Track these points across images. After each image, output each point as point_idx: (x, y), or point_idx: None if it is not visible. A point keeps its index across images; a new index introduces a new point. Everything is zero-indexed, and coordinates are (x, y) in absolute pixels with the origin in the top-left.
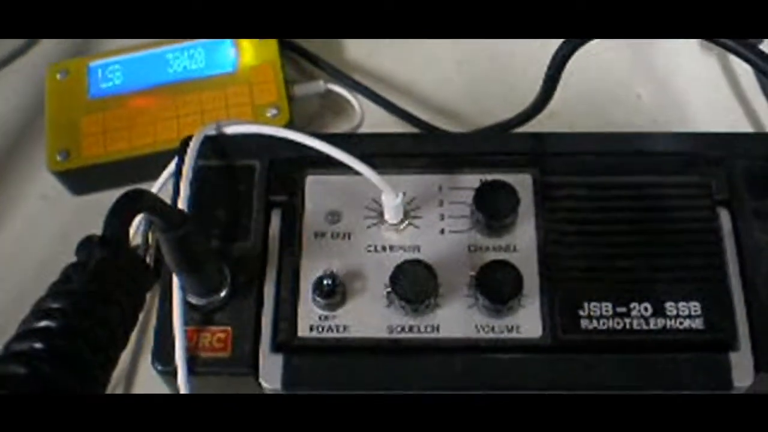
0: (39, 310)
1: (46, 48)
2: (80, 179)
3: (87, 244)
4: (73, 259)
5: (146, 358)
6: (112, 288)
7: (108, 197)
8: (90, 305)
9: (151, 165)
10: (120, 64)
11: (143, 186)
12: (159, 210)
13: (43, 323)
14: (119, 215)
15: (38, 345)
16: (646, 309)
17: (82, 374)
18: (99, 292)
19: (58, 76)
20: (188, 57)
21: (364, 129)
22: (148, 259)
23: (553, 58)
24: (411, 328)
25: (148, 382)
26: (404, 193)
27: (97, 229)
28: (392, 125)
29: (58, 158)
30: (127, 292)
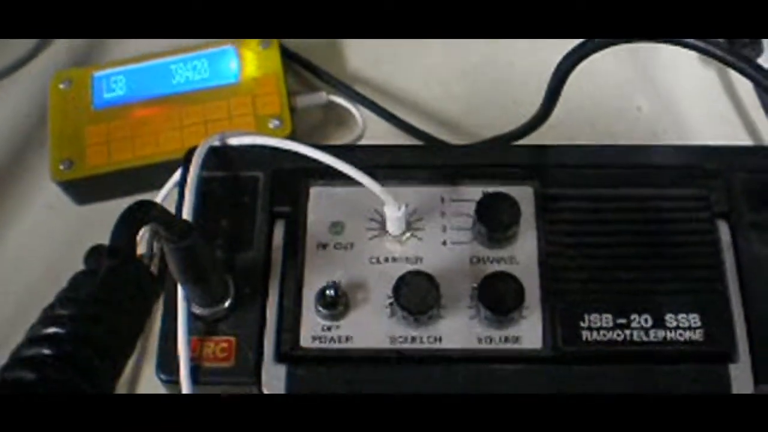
0: (47, 317)
1: (50, 57)
2: (84, 189)
3: (95, 254)
4: (78, 267)
5: (148, 365)
6: (120, 297)
7: (112, 207)
8: (98, 313)
9: (155, 175)
10: (124, 75)
11: (147, 195)
12: (166, 221)
13: (51, 329)
14: (127, 225)
15: (46, 351)
16: (646, 320)
17: (89, 380)
18: (107, 300)
19: (61, 86)
20: (191, 68)
21: (366, 140)
22: (152, 269)
23: (555, 72)
24: (413, 339)
25: (150, 389)
26: (407, 205)
27: (101, 239)
28: (393, 136)
29: (62, 168)
30: (134, 301)
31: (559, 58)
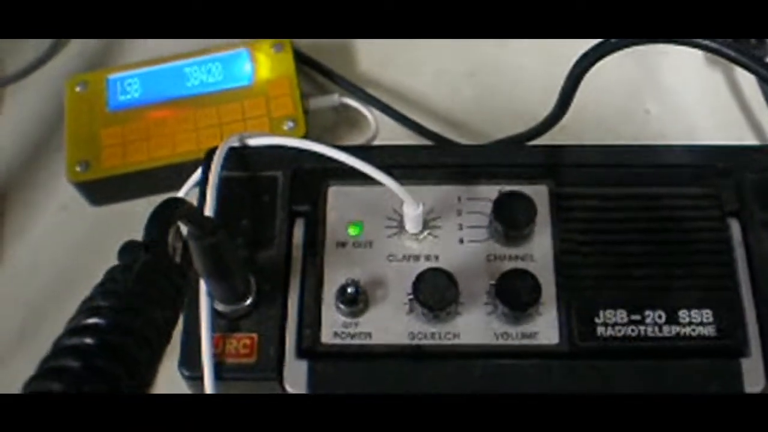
0: (87, 309)
1: (65, 60)
2: (99, 190)
3: (130, 249)
4: (92, 268)
5: (168, 359)
6: (156, 290)
7: (126, 208)
8: (137, 304)
9: (170, 176)
10: (138, 77)
11: (161, 196)
12: (194, 218)
13: (92, 320)
14: (160, 221)
15: (89, 340)
16: (659, 316)
17: (132, 370)
18: (145, 293)
19: (77, 89)
20: (206, 71)
21: (378, 141)
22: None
23: (570, 75)
24: (432, 335)
25: (170, 384)
26: (424, 204)
27: (115, 239)
28: (405, 137)
29: (78, 169)
30: (168, 294)
31: (566, 59)
